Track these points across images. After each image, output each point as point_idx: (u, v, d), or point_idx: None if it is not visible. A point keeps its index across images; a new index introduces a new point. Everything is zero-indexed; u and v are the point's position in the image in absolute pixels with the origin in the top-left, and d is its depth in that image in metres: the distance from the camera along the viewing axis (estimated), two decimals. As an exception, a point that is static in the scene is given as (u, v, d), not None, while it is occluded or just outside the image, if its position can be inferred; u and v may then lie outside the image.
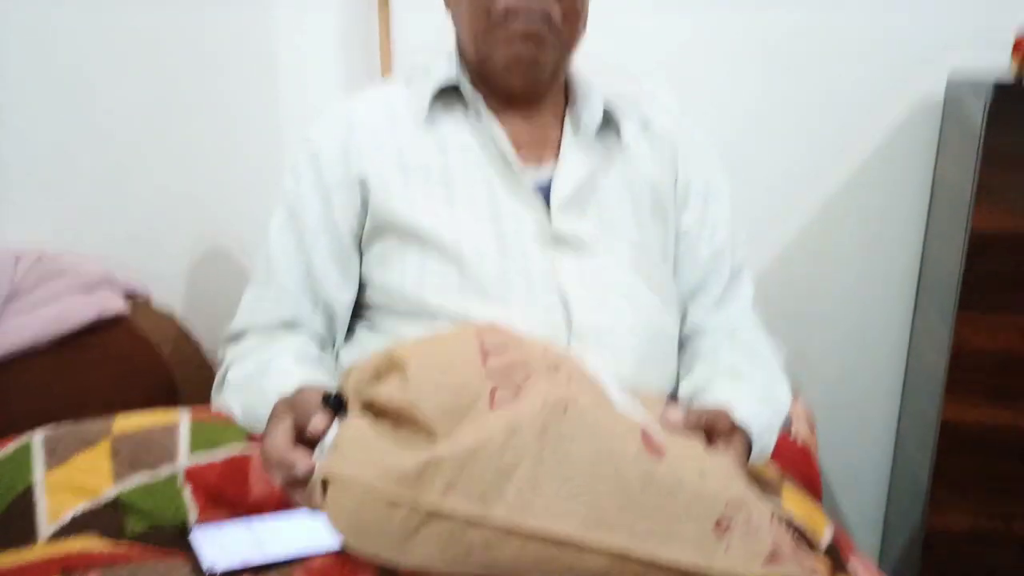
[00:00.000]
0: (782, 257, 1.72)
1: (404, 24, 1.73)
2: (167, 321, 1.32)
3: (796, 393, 1.56)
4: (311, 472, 0.69)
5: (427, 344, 0.70)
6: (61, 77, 1.20)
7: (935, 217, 1.58)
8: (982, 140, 1.27)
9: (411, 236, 0.96)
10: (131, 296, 1.30)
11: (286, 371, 0.88)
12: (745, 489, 0.65)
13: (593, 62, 1.12)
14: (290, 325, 0.99)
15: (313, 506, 0.71)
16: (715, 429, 0.80)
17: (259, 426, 0.87)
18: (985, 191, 1.29)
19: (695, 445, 0.71)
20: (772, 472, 0.92)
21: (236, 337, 1.00)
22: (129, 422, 0.83)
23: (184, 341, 1.29)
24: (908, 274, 1.67)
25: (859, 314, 1.71)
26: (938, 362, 1.39)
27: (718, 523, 0.61)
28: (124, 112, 1.33)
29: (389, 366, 0.68)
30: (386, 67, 1.75)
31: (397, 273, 0.97)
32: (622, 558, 0.59)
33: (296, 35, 1.72)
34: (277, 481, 0.76)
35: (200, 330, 1.36)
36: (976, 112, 1.30)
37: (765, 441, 0.90)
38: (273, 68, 1.74)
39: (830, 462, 1.78)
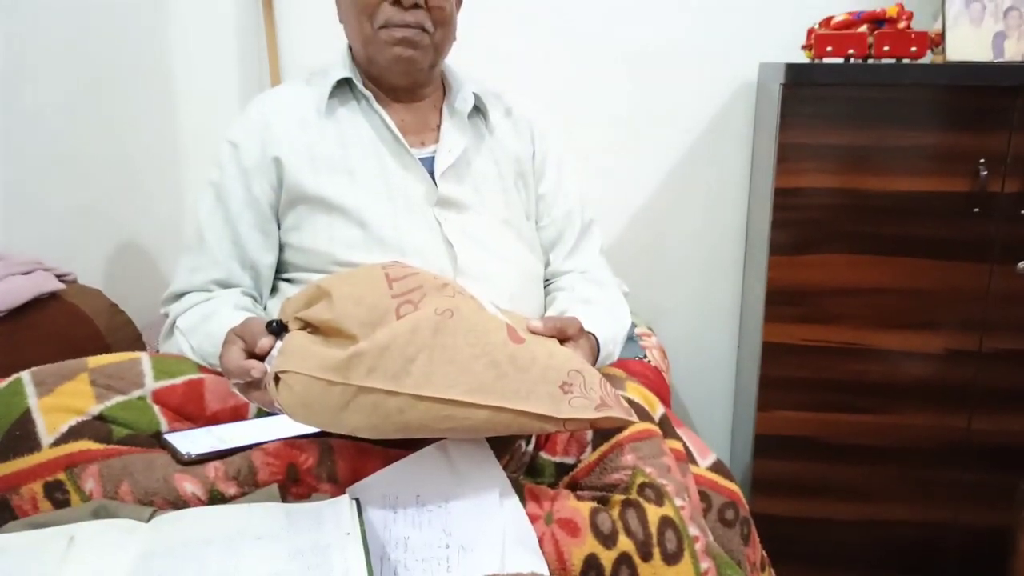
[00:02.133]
0: (637, 218, 2.03)
1: (288, 38, 1.95)
2: (97, 297, 1.45)
3: (652, 331, 1.86)
4: (263, 375, 0.90)
5: (346, 276, 0.91)
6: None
7: (755, 179, 1.91)
8: (779, 111, 1.58)
9: (320, 205, 1.15)
10: (61, 277, 1.44)
11: (228, 315, 1.06)
12: (582, 363, 0.90)
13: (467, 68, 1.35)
14: (223, 284, 1.16)
15: (266, 402, 0.91)
16: (567, 332, 1.01)
17: (208, 362, 1.06)
18: (784, 153, 1.60)
19: (549, 340, 0.96)
20: (620, 373, 1.18)
21: (177, 296, 1.17)
22: (100, 359, 1.00)
23: (116, 312, 1.44)
24: (738, 226, 2.00)
25: (702, 261, 2.04)
26: (759, 295, 1.71)
27: (562, 385, 0.85)
28: (43, 127, 1.47)
29: (318, 295, 0.89)
30: (275, 77, 1.94)
31: (310, 236, 1.16)
32: (497, 411, 0.82)
33: (190, 53, 1.92)
34: (235, 388, 0.96)
35: (123, 305, 1.51)
36: (775, 89, 1.61)
37: (610, 349, 1.14)
38: (169, 83, 1.93)
39: (686, 383, 2.10)
